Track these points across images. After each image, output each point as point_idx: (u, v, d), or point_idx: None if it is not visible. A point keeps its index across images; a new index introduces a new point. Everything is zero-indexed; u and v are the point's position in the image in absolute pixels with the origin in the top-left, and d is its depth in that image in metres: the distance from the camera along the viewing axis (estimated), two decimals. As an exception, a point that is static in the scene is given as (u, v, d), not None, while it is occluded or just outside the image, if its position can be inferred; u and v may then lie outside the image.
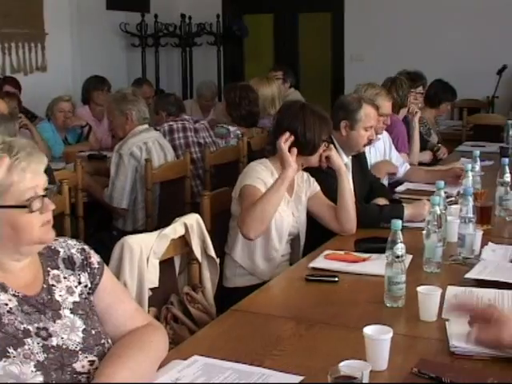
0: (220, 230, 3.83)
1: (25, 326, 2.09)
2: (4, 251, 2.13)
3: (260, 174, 3.77)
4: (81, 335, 2.19)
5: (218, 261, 3.34)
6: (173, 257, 3.23)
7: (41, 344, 2.09)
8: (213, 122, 7.18)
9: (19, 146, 2.12)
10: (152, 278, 2.97)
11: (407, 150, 6.08)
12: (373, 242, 3.57)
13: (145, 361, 2.22)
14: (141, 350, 2.23)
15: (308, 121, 3.85)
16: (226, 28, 11.17)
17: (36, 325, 2.12)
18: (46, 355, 2.08)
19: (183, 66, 11.14)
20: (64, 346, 2.14)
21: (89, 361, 2.17)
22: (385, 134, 5.44)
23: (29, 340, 2.08)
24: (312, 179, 4.06)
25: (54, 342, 2.13)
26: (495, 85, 9.48)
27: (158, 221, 5.18)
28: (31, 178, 2.10)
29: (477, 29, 9.98)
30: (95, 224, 5.53)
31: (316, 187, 4.04)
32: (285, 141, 3.69)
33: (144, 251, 2.95)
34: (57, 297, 2.22)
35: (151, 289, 2.96)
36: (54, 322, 2.17)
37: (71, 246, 2.32)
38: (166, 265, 3.13)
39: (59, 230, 4.11)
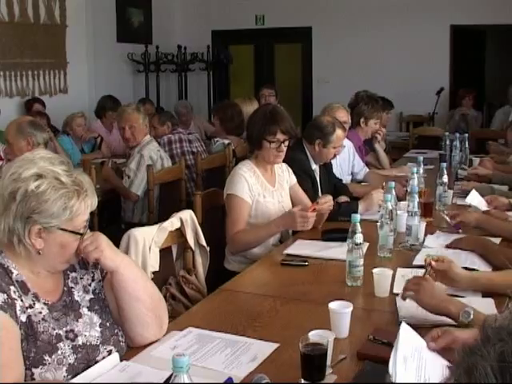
0: (210, 223, 3.79)
1: (56, 331, 2.03)
2: (45, 262, 2.06)
3: (243, 182, 3.68)
4: (98, 329, 2.14)
5: (208, 249, 3.31)
6: (170, 245, 3.20)
7: (70, 346, 2.03)
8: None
9: (86, 182, 2.08)
10: (153, 263, 2.95)
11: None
12: (336, 233, 3.56)
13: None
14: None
15: (255, 118, 3.80)
16: (215, 56, 11.16)
17: (64, 328, 2.05)
18: (75, 356, 2.03)
19: (179, 88, 11.11)
20: (88, 343, 2.08)
21: (107, 351, 2.12)
22: (349, 143, 5.45)
23: (61, 344, 2.01)
24: (290, 170, 4.02)
25: (80, 341, 2.07)
26: (434, 103, 9.51)
27: (159, 215, 5.16)
28: (87, 213, 2.08)
29: (420, 58, 10.02)
30: (106, 219, 5.50)
31: (294, 178, 4.01)
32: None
33: (147, 241, 2.93)
34: (76, 297, 2.15)
35: (153, 272, 2.94)
36: (77, 321, 2.10)
37: None
38: (165, 252, 3.11)
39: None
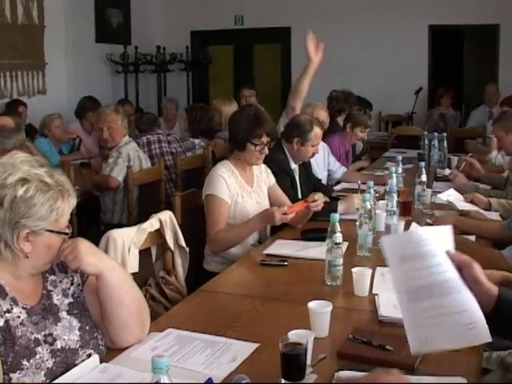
0: (189, 224, 3.78)
1: (35, 335, 2.01)
2: (31, 265, 2.05)
3: (222, 182, 3.68)
4: (78, 333, 2.12)
5: (187, 250, 3.30)
6: (150, 247, 3.19)
7: (49, 350, 2.02)
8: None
9: (65, 181, 2.08)
10: (133, 265, 2.94)
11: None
12: (316, 232, 3.57)
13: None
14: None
15: (239, 120, 3.77)
16: (194, 57, 11.16)
17: (43, 332, 2.04)
18: (54, 360, 2.01)
19: (159, 89, 11.10)
20: (67, 347, 2.07)
21: (87, 355, 2.11)
22: (323, 143, 5.46)
23: (39, 348, 2.00)
24: (269, 170, 4.03)
25: (59, 344, 2.05)
26: (413, 103, 9.57)
27: (138, 217, 5.15)
28: (69, 212, 2.08)
29: (399, 58, 10.10)
30: (86, 220, 5.48)
31: (272, 178, 4.02)
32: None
33: (126, 242, 2.92)
34: (55, 301, 2.13)
35: (132, 273, 2.92)
36: (56, 325, 2.08)
37: None
38: (144, 253, 3.10)
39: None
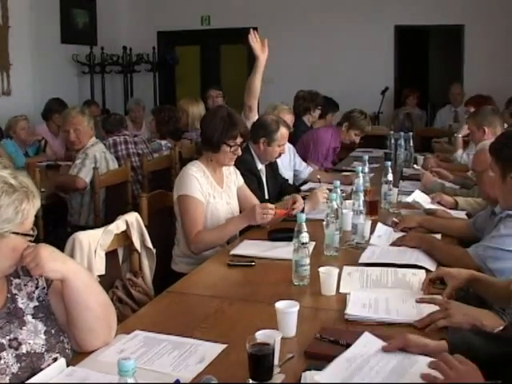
0: (156, 225, 3.76)
1: None
2: None
3: (194, 182, 3.66)
4: (43, 337, 2.09)
5: (154, 251, 3.29)
6: (116, 248, 3.17)
7: (14, 355, 1.99)
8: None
9: (29, 183, 2.06)
10: (99, 267, 2.91)
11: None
12: (283, 232, 3.57)
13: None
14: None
15: (214, 121, 3.75)
16: (161, 57, 11.13)
17: (8, 337, 2.01)
18: (19, 365, 1.99)
19: (125, 90, 11.07)
20: (32, 351, 2.04)
21: (53, 359, 2.08)
22: (290, 145, 5.49)
23: (4, 353, 1.97)
24: (238, 172, 4.03)
25: (24, 349, 2.03)
26: (380, 103, 9.64)
27: (105, 218, 5.12)
28: (34, 214, 2.06)
29: (365, 58, 10.17)
30: (53, 223, 5.44)
31: (241, 179, 4.02)
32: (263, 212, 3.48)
33: (92, 244, 2.90)
34: (19, 304, 2.10)
35: (99, 276, 2.90)
36: (21, 329, 2.06)
37: None
38: (111, 255, 3.08)
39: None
